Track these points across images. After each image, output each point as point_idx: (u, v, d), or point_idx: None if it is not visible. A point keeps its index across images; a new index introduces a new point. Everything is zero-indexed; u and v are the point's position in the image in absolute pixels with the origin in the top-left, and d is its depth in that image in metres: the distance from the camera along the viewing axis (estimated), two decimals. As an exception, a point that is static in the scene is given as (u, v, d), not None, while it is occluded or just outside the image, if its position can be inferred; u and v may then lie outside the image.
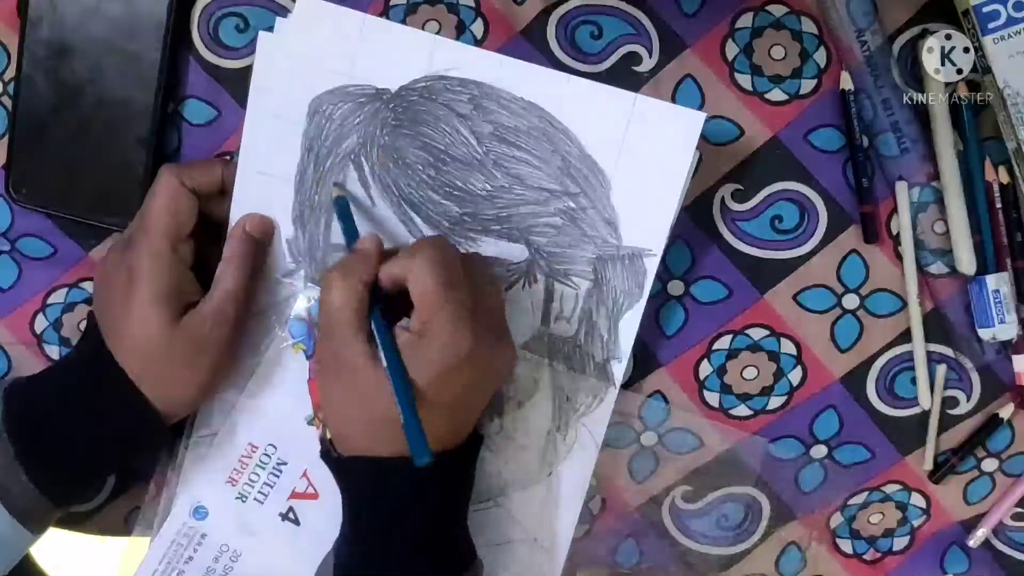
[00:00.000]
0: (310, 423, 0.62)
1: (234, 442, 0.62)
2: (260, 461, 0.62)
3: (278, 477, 0.62)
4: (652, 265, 0.60)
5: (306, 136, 0.60)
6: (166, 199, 0.57)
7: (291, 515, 0.63)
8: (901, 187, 0.62)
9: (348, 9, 0.59)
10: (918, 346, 0.64)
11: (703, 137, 0.61)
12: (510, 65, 0.59)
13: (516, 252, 0.60)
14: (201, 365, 0.58)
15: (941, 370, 0.64)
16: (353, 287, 0.53)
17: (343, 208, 0.58)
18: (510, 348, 0.56)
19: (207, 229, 0.59)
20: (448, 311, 0.51)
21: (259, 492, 0.63)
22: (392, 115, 0.59)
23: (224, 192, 0.60)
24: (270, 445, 0.62)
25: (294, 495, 0.63)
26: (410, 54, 0.58)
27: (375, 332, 0.52)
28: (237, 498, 0.62)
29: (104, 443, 0.58)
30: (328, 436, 0.56)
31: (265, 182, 0.60)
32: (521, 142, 0.59)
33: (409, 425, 0.50)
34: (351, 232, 0.57)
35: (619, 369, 0.61)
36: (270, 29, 0.60)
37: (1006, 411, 0.65)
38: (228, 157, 0.61)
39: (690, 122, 0.57)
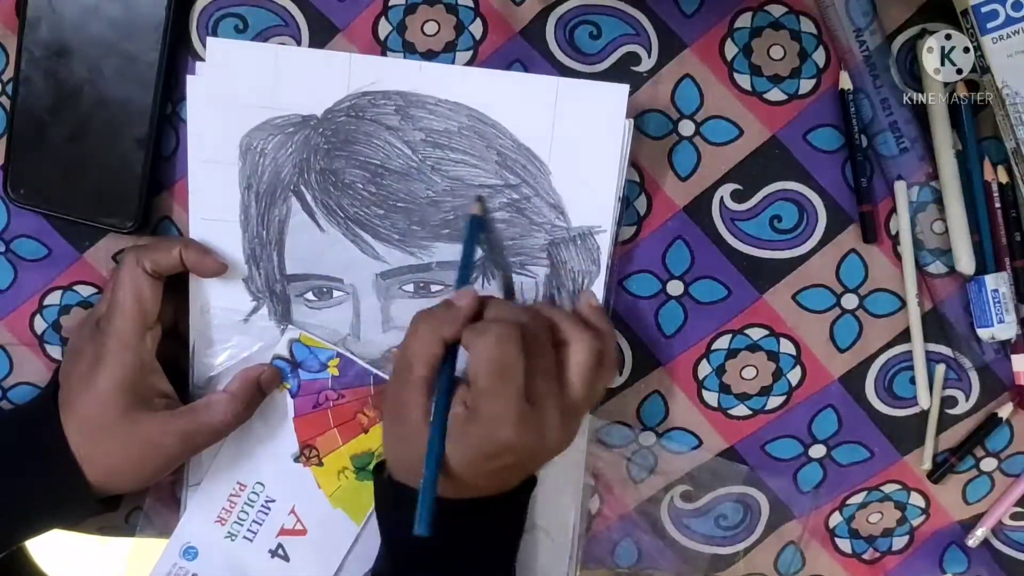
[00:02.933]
0: (296, 460, 0.63)
1: (222, 481, 0.63)
2: (248, 499, 0.63)
3: (267, 514, 0.63)
4: (604, 241, 0.60)
5: (242, 175, 0.60)
6: (130, 286, 0.57)
7: (280, 551, 0.64)
8: (900, 187, 0.62)
9: (260, 43, 0.60)
10: (917, 346, 0.64)
11: (704, 137, 0.61)
12: (429, 69, 0.59)
13: None
14: (148, 465, 0.59)
15: (940, 370, 0.64)
16: (432, 343, 0.53)
17: (473, 228, 0.59)
18: (566, 431, 0.55)
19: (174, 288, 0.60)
20: (495, 402, 0.52)
21: (248, 530, 0.63)
22: (323, 139, 0.60)
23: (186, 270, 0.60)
24: (258, 483, 0.63)
25: (283, 532, 0.63)
26: (329, 76, 0.59)
27: (434, 398, 0.53)
28: (226, 537, 0.63)
29: (30, 509, 0.58)
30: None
31: (213, 227, 0.61)
32: (454, 143, 0.60)
33: (423, 497, 0.51)
34: (468, 256, 0.58)
35: None
36: (269, 30, 0.60)
37: (1005, 411, 0.65)
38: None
39: (615, 95, 0.59)
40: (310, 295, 0.62)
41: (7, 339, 0.64)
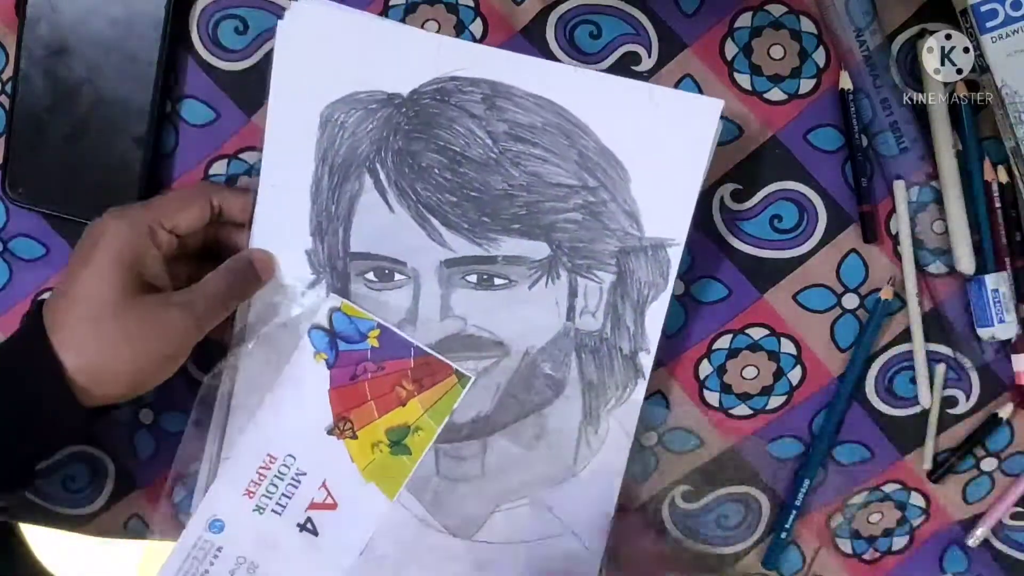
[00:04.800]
0: (330, 433, 0.62)
1: (251, 454, 0.62)
2: (279, 472, 0.62)
3: (296, 488, 0.62)
4: (675, 255, 0.60)
5: (319, 147, 0.60)
6: (185, 193, 0.57)
7: (309, 525, 0.62)
8: (899, 186, 0.62)
9: (353, 11, 0.59)
10: (918, 346, 0.64)
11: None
12: (521, 61, 0.59)
13: (538, 249, 0.60)
14: (146, 350, 0.54)
15: (940, 369, 0.64)
16: None
17: None
18: None
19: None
20: None
21: (277, 503, 0.62)
22: (405, 119, 0.59)
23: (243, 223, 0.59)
24: (289, 456, 0.62)
25: (312, 506, 0.62)
26: (419, 56, 0.58)
27: None
28: (254, 510, 0.62)
29: (21, 432, 0.54)
30: None
31: (282, 195, 0.60)
32: (537, 139, 0.59)
33: None
34: None
35: (647, 360, 0.61)
36: (269, 32, 0.60)
37: (1005, 411, 0.65)
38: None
39: (708, 110, 0.58)
40: (371, 275, 0.61)
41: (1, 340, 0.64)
